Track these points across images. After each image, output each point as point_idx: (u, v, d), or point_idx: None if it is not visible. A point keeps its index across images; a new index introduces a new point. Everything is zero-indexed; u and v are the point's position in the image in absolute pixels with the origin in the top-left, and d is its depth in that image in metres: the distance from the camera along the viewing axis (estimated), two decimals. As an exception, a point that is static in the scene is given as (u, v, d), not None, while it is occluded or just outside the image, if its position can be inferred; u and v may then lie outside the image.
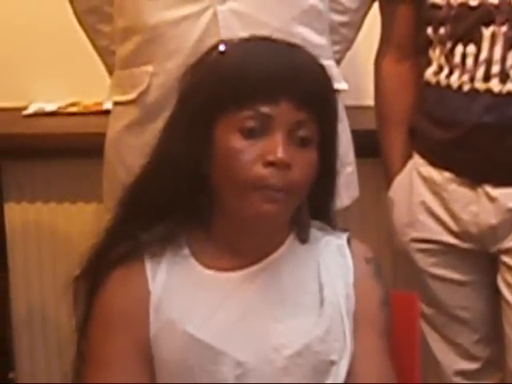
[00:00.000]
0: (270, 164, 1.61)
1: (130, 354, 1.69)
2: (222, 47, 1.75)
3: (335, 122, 1.79)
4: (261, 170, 1.62)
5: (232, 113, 1.65)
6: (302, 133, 1.66)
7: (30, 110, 2.97)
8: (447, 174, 2.30)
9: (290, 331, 1.69)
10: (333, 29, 2.34)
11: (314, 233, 1.82)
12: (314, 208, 1.80)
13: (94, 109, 2.89)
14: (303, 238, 1.80)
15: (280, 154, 1.61)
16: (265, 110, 1.63)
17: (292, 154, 1.63)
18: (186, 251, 1.74)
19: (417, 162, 2.38)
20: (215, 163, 1.67)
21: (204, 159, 1.68)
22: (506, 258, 2.28)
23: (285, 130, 1.64)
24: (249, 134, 1.64)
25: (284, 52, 1.73)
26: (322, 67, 1.76)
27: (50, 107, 2.97)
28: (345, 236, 1.83)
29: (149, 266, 1.73)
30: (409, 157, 2.41)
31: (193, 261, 1.74)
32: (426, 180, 2.35)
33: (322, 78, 1.75)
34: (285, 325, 1.70)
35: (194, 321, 1.67)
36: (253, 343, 1.67)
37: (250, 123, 1.64)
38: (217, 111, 1.67)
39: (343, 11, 2.37)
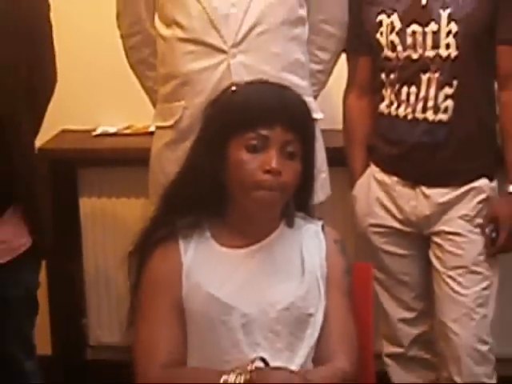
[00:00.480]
0: (267, 171, 1.64)
1: (168, 309, 1.70)
2: (233, 88, 1.78)
3: (313, 142, 1.79)
4: (261, 176, 1.65)
5: (240, 135, 1.68)
6: (289, 149, 1.68)
7: (98, 131, 2.95)
8: (394, 178, 2.31)
9: (280, 292, 1.70)
10: (311, 74, 2.30)
11: (298, 221, 1.81)
12: (298, 203, 1.81)
13: (143, 131, 2.85)
14: (290, 225, 1.80)
15: (274, 164, 1.64)
16: (263, 132, 1.66)
17: (282, 164, 1.65)
18: (208, 234, 1.76)
19: (373, 169, 2.37)
20: (229, 171, 1.69)
21: (220, 168, 1.69)
22: (435, 238, 2.28)
23: (277, 147, 1.66)
24: (252, 149, 1.66)
25: (277, 91, 1.75)
26: (304, 102, 1.77)
27: (111, 129, 2.95)
28: (320, 223, 1.84)
29: (182, 245, 1.74)
30: (367, 166, 2.39)
31: (212, 241, 1.75)
32: (380, 182, 2.35)
33: (304, 110, 1.76)
34: (277, 288, 1.71)
35: (213, 284, 1.68)
36: (254, 300, 1.69)
37: (253, 142, 1.66)
38: (229, 134, 1.69)
39: (319, 62, 2.33)
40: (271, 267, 1.75)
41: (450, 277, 2.26)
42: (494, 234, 2.24)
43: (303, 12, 2.22)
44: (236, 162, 1.68)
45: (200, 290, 1.69)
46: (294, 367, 1.65)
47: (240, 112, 1.71)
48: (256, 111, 1.69)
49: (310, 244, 1.80)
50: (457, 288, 2.25)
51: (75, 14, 2.76)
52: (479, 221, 2.26)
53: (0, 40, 2.05)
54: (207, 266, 1.73)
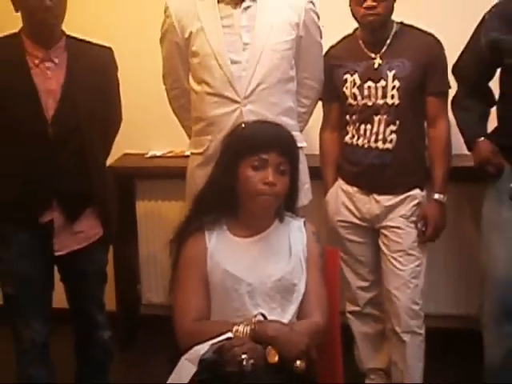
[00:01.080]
0: (266, 183, 1.67)
1: (197, 280, 1.70)
2: (243, 125, 1.80)
3: (298, 163, 1.79)
4: (261, 186, 1.67)
5: (247, 158, 1.69)
6: (281, 168, 1.70)
7: (149, 154, 2.94)
8: (355, 188, 2.29)
9: (274, 269, 1.72)
10: (298, 115, 2.26)
11: (287, 219, 1.81)
12: (287, 206, 1.81)
13: (180, 154, 2.82)
14: (281, 221, 1.79)
15: (271, 178, 1.67)
16: (263, 156, 1.67)
17: (276, 179, 1.68)
18: (225, 227, 1.76)
19: (340, 182, 2.35)
20: (239, 183, 1.70)
21: (234, 181, 1.71)
22: (383, 231, 2.27)
23: (273, 166, 1.68)
24: (255, 168, 1.68)
25: (273, 128, 1.76)
26: (291, 136, 1.78)
27: (158, 153, 2.93)
28: (302, 220, 1.84)
29: (207, 235, 1.74)
30: (336, 180, 2.36)
31: (228, 233, 1.76)
32: (344, 191, 2.32)
33: (292, 141, 1.77)
34: (272, 265, 1.73)
35: (228, 263, 1.70)
36: (256, 274, 1.70)
37: (256, 163, 1.68)
38: (240, 158, 1.70)
39: (303, 106, 2.28)
40: (268, 251, 1.76)
41: (393, 257, 2.24)
42: (424, 228, 2.23)
43: (293, 73, 2.18)
44: (244, 177, 1.69)
45: (219, 267, 1.70)
46: (284, 321, 1.67)
47: (247, 142, 1.73)
48: (258, 141, 1.71)
49: (295, 235, 1.80)
50: (398, 265, 2.24)
51: (136, 72, 2.76)
52: (413, 219, 2.24)
53: (88, 97, 2.06)
54: (224, 250, 1.73)
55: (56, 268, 2.19)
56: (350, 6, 2.16)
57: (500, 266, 2.08)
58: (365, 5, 2.10)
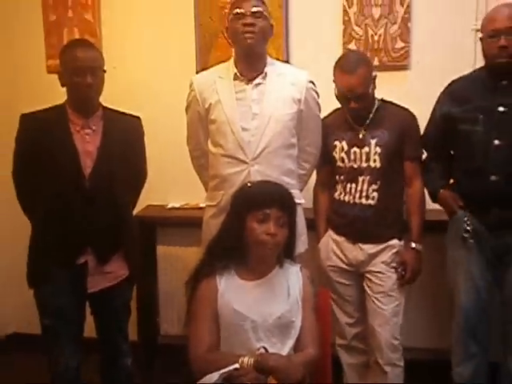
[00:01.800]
0: (268, 234, 1.68)
1: (209, 318, 1.70)
2: (249, 184, 1.82)
3: (295, 217, 1.79)
4: (264, 237, 1.69)
5: (252, 213, 1.70)
6: (281, 221, 1.71)
7: (169, 206, 2.90)
8: (343, 238, 2.28)
9: (275, 308, 1.72)
10: (299, 177, 2.25)
11: (286, 265, 1.81)
12: (286, 253, 1.81)
13: (195, 206, 2.79)
14: (281, 266, 1.79)
15: (272, 230, 1.68)
16: (266, 211, 1.69)
17: (277, 230, 1.69)
18: (233, 272, 1.75)
19: (330, 232, 2.33)
20: (246, 233, 1.71)
21: (242, 232, 1.71)
22: (367, 274, 2.25)
23: (274, 220, 1.69)
24: (259, 221, 1.69)
25: (275, 187, 1.78)
26: (290, 194, 1.79)
27: (176, 205, 2.90)
28: (299, 266, 1.83)
29: (218, 278, 1.74)
30: (327, 230, 2.34)
31: (236, 276, 1.75)
32: (334, 240, 2.31)
33: (290, 198, 1.78)
34: (273, 305, 1.72)
35: (236, 302, 1.70)
36: (259, 313, 1.69)
37: (260, 217, 1.69)
38: (246, 212, 1.71)
39: (303, 169, 2.28)
40: (270, 293, 1.75)
41: (375, 298, 2.23)
42: (403, 273, 2.22)
43: (294, 140, 2.19)
44: (250, 229, 1.71)
45: (228, 305, 1.70)
46: (283, 353, 1.68)
47: (253, 199, 1.74)
48: (262, 199, 1.72)
49: (293, 278, 1.80)
50: (380, 305, 2.22)
51: (159, 137, 2.73)
52: (393, 264, 2.23)
53: (119, 158, 2.10)
54: (232, 291, 1.73)
55: (88, 303, 2.19)
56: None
57: (463, 295, 2.10)
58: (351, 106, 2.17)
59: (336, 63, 2.18)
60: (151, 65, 2.91)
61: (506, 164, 2.02)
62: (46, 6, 2.89)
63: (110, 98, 2.18)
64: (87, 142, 2.07)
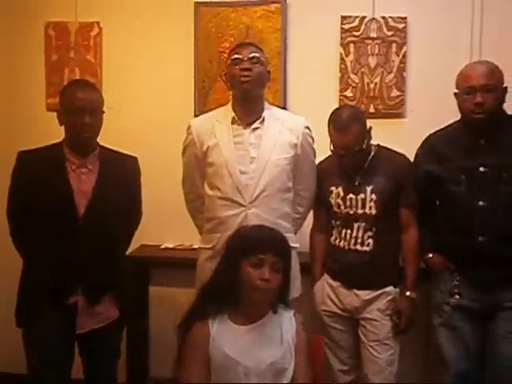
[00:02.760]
0: (262, 280, 1.68)
1: (200, 362, 1.69)
2: (243, 230, 1.85)
3: (290, 263, 1.79)
4: (259, 282, 1.68)
5: (247, 258, 1.70)
6: (276, 266, 1.71)
7: (162, 246, 2.89)
8: (338, 283, 2.26)
9: (267, 354, 1.71)
10: (293, 220, 2.25)
11: (280, 310, 1.79)
12: (280, 297, 1.79)
13: (189, 247, 2.79)
14: (274, 312, 1.78)
15: (266, 276, 1.68)
16: (261, 257, 1.69)
17: (271, 275, 1.69)
18: (226, 316, 1.74)
19: (326, 276, 2.31)
20: (240, 278, 1.70)
21: (236, 276, 1.71)
22: (362, 321, 2.23)
23: (269, 265, 1.70)
24: (254, 267, 1.69)
25: (269, 232, 1.79)
26: (285, 239, 1.79)
27: (170, 245, 2.89)
28: (292, 312, 1.82)
29: (210, 321, 1.72)
30: (322, 274, 2.32)
31: (228, 320, 1.73)
32: (330, 285, 2.28)
33: (286, 244, 1.79)
34: (265, 351, 1.71)
35: (228, 347, 1.68)
36: (252, 358, 1.68)
37: (255, 262, 1.69)
38: (241, 257, 1.71)
39: (298, 213, 2.28)
40: (263, 338, 1.74)
41: (370, 346, 2.20)
42: (398, 321, 2.20)
43: (291, 184, 2.20)
44: (245, 274, 1.70)
45: (220, 350, 1.69)
46: (275, 400, 1.63)
47: (248, 244, 1.74)
48: (257, 244, 1.72)
49: (286, 324, 1.78)
50: (374, 353, 2.19)
51: (155, 178, 2.74)
52: (388, 312, 2.21)
53: (114, 198, 2.10)
54: (225, 336, 1.71)
55: (76, 343, 2.15)
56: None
57: (451, 363, 2.11)
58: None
59: (329, 119, 2.19)
60: (150, 107, 2.93)
61: (492, 225, 2.02)
62: (48, 46, 2.93)
63: (107, 138, 2.18)
64: (82, 181, 2.07)
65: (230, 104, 2.23)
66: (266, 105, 2.24)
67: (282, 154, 2.15)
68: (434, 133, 2.21)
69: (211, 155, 2.16)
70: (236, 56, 2.12)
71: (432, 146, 2.17)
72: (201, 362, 1.67)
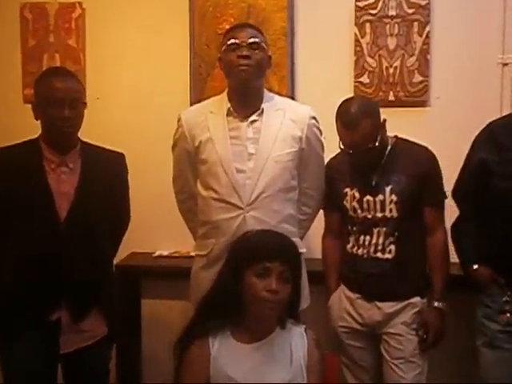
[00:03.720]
0: (269, 291, 1.65)
1: (199, 382, 1.68)
2: (247, 234, 1.81)
3: (300, 271, 1.79)
4: (265, 294, 1.65)
5: (252, 266, 1.67)
6: (284, 276, 1.68)
7: (156, 254, 2.90)
8: (357, 295, 2.24)
9: (275, 376, 1.68)
10: (299, 223, 2.24)
11: (289, 325, 1.77)
12: (289, 311, 1.76)
13: (185, 255, 2.76)
14: (283, 327, 1.76)
15: (273, 286, 1.65)
16: (267, 265, 1.66)
17: (279, 286, 1.66)
18: (228, 333, 1.72)
19: (343, 288, 2.29)
20: (244, 290, 1.68)
21: (239, 288, 1.68)
22: (384, 337, 2.21)
23: (276, 275, 1.66)
24: (260, 276, 1.66)
25: (277, 238, 1.76)
26: (294, 244, 1.78)
27: (165, 253, 2.90)
28: (303, 327, 1.79)
29: (210, 340, 1.71)
30: (338, 285, 2.31)
31: (231, 338, 1.72)
32: (347, 297, 2.26)
33: (294, 250, 1.76)
34: (272, 372, 1.69)
35: (230, 368, 1.67)
36: (257, 381, 1.66)
37: (260, 271, 1.66)
38: (245, 265, 1.69)
39: (304, 214, 2.27)
40: (270, 358, 1.71)
41: (394, 364, 2.18)
42: (425, 336, 2.17)
43: (295, 183, 2.19)
44: (249, 285, 1.67)
45: (221, 372, 1.67)
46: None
47: (253, 251, 1.72)
48: (263, 251, 1.70)
49: (296, 341, 1.76)
50: (399, 373, 2.16)
51: (146, 175, 2.78)
52: (414, 326, 2.18)
53: (99, 200, 2.09)
54: (227, 356, 1.69)
55: (60, 365, 2.14)
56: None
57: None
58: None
59: (337, 113, 2.15)
60: (140, 96, 2.93)
61: None
62: (24, 30, 2.93)
63: (90, 132, 2.16)
64: (63, 182, 2.05)
65: (225, 93, 2.20)
66: (266, 94, 2.21)
67: (285, 149, 2.14)
68: (495, 120, 2.13)
69: (204, 151, 2.14)
70: (233, 41, 2.09)
71: (491, 133, 2.08)
72: (200, 382, 1.66)
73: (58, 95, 1.99)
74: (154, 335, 2.87)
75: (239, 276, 1.69)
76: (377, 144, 2.11)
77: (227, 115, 2.14)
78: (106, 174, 2.13)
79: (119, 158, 2.22)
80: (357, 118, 2.08)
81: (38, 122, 2.07)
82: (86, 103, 2.10)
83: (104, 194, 2.09)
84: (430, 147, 2.25)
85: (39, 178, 2.02)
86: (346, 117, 2.10)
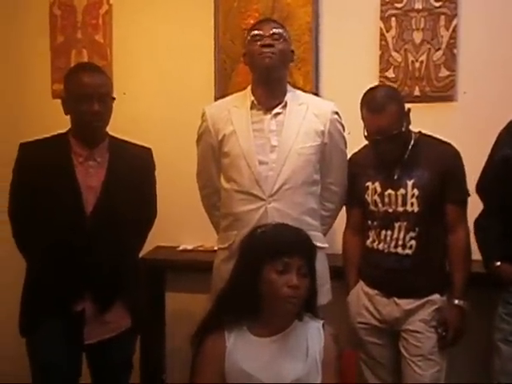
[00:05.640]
0: (290, 287, 1.68)
1: (214, 375, 1.71)
2: (259, 230, 1.81)
3: (314, 264, 1.77)
4: (286, 290, 1.68)
5: (270, 263, 1.70)
6: (303, 271, 1.71)
7: (180, 248, 2.94)
8: (376, 291, 2.27)
9: (290, 370, 1.71)
10: (322, 218, 2.28)
11: (306, 319, 1.80)
12: (306, 305, 1.79)
13: (210, 249, 2.74)
14: (300, 319, 1.77)
15: (294, 282, 1.68)
16: (286, 260, 1.69)
17: (299, 281, 1.69)
18: (245, 328, 1.75)
19: (361, 283, 2.32)
20: (263, 286, 1.70)
21: (257, 285, 1.71)
22: (403, 334, 2.24)
23: (296, 269, 1.70)
24: (279, 272, 1.69)
25: (294, 232, 1.79)
26: (309, 238, 1.79)
27: (189, 247, 2.94)
28: (321, 322, 1.82)
29: (226, 334, 1.74)
30: (357, 281, 2.33)
31: (248, 332, 1.75)
32: (366, 293, 2.29)
33: (311, 244, 1.79)
34: (288, 367, 1.71)
35: (246, 362, 1.70)
36: (272, 375, 1.69)
37: (280, 267, 1.69)
38: (263, 262, 1.71)
39: (327, 210, 2.31)
40: (286, 352, 1.74)
41: (412, 362, 2.20)
42: (444, 333, 2.20)
43: (317, 177, 2.23)
44: (269, 281, 1.70)
45: (236, 366, 1.70)
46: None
47: (271, 247, 1.74)
48: (282, 246, 1.73)
49: (313, 336, 1.78)
50: (417, 370, 2.19)
51: (172, 170, 2.79)
52: (433, 323, 2.20)
53: (126, 195, 2.14)
54: (242, 349, 1.73)
55: (85, 355, 2.21)
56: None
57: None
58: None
59: (362, 100, 2.19)
60: (165, 91, 3.00)
61: None
62: (53, 27, 3.04)
63: (116, 127, 2.22)
64: (90, 176, 2.11)
65: (249, 88, 2.25)
66: (289, 88, 2.26)
67: (307, 143, 2.18)
68: None
69: (227, 144, 2.19)
70: (256, 32, 2.16)
71: None
72: (215, 378, 1.70)
73: (87, 90, 2.05)
74: (178, 328, 2.90)
75: (257, 272, 1.71)
76: (403, 129, 2.14)
77: (251, 108, 2.19)
78: (133, 169, 2.17)
79: (147, 152, 2.26)
80: (383, 102, 2.12)
81: (66, 117, 2.15)
82: (114, 98, 2.14)
83: (131, 188, 2.14)
84: (456, 142, 2.26)
85: (67, 171, 2.08)
86: (373, 102, 2.14)
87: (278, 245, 1.73)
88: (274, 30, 2.15)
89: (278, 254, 1.70)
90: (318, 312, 1.88)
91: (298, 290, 1.69)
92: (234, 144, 2.18)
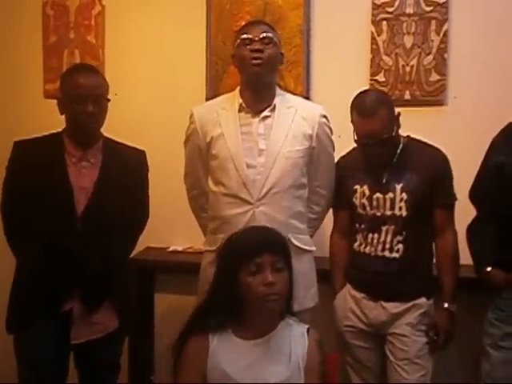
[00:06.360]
0: (266, 285, 1.69)
1: (197, 376, 1.73)
2: (231, 238, 1.83)
3: (290, 258, 1.77)
4: (262, 288, 1.69)
5: (244, 266, 1.71)
6: (277, 266, 1.72)
7: (170, 249, 2.94)
8: (363, 294, 2.27)
9: (273, 374, 1.72)
10: (309, 221, 2.29)
11: (291, 323, 1.81)
12: (292, 312, 1.83)
13: (199, 250, 2.54)
14: (282, 318, 1.79)
15: (268, 279, 1.69)
16: (257, 260, 1.70)
17: (275, 277, 1.70)
18: (230, 331, 1.77)
19: (348, 287, 2.32)
20: (242, 288, 1.72)
21: (236, 289, 1.73)
22: (389, 337, 2.24)
23: (269, 267, 1.71)
24: (253, 273, 1.70)
25: (260, 231, 1.83)
26: (280, 234, 1.81)
27: (179, 248, 2.94)
28: (306, 327, 1.83)
29: (210, 335, 1.75)
30: (344, 284, 2.34)
31: (232, 335, 1.76)
32: (353, 296, 2.30)
33: (281, 238, 1.81)
34: (271, 370, 1.72)
35: (227, 364, 1.71)
36: (253, 378, 1.70)
37: (253, 269, 1.70)
38: (237, 267, 1.73)
39: (314, 213, 2.32)
40: (268, 355, 1.75)
41: (398, 365, 2.21)
42: (435, 337, 2.21)
43: (305, 180, 2.24)
44: (246, 284, 1.72)
45: (218, 367, 1.72)
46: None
47: (240, 252, 1.76)
48: (249, 248, 1.75)
49: (297, 341, 1.79)
50: (403, 374, 2.19)
51: (162, 172, 2.78)
52: (420, 327, 2.21)
53: (118, 196, 2.15)
54: (225, 351, 1.74)
55: (72, 354, 2.23)
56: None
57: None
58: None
59: (352, 104, 2.20)
60: (157, 92, 3.01)
61: None
62: (46, 27, 3.05)
63: (108, 127, 2.23)
64: (83, 177, 2.13)
65: (237, 90, 2.26)
66: (278, 91, 2.27)
67: (295, 146, 2.18)
68: None
69: (215, 147, 2.20)
70: (245, 36, 2.16)
71: (510, 135, 2.08)
72: (198, 379, 1.72)
73: (82, 91, 2.07)
74: (167, 330, 2.77)
75: (234, 278, 1.73)
76: (393, 134, 2.15)
77: (239, 111, 2.20)
78: (127, 171, 2.18)
79: (140, 155, 2.27)
80: (374, 107, 2.12)
81: (59, 116, 2.16)
82: (109, 99, 2.15)
83: (123, 190, 2.15)
84: (446, 147, 2.27)
85: (60, 171, 2.10)
86: (363, 106, 2.14)
87: (247, 248, 1.75)
88: (264, 34, 2.16)
89: (249, 257, 1.72)
90: (304, 314, 1.92)
91: (275, 286, 1.70)
92: (222, 146, 2.19)
